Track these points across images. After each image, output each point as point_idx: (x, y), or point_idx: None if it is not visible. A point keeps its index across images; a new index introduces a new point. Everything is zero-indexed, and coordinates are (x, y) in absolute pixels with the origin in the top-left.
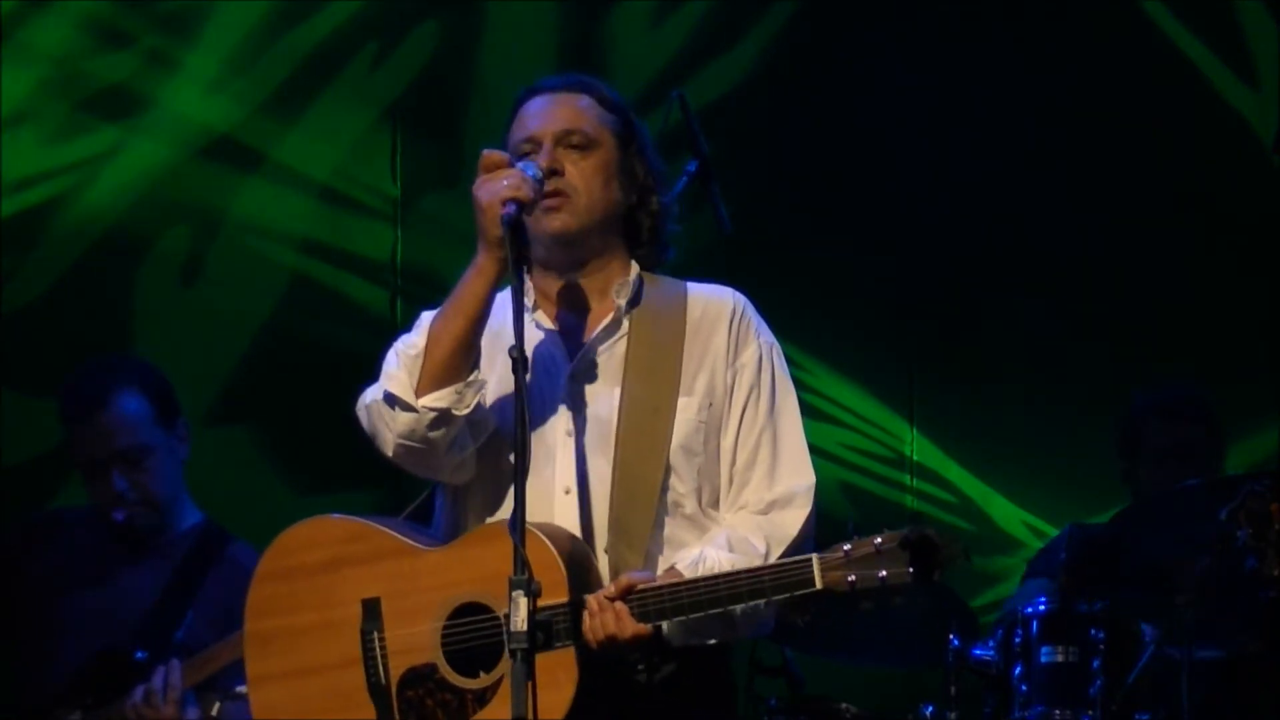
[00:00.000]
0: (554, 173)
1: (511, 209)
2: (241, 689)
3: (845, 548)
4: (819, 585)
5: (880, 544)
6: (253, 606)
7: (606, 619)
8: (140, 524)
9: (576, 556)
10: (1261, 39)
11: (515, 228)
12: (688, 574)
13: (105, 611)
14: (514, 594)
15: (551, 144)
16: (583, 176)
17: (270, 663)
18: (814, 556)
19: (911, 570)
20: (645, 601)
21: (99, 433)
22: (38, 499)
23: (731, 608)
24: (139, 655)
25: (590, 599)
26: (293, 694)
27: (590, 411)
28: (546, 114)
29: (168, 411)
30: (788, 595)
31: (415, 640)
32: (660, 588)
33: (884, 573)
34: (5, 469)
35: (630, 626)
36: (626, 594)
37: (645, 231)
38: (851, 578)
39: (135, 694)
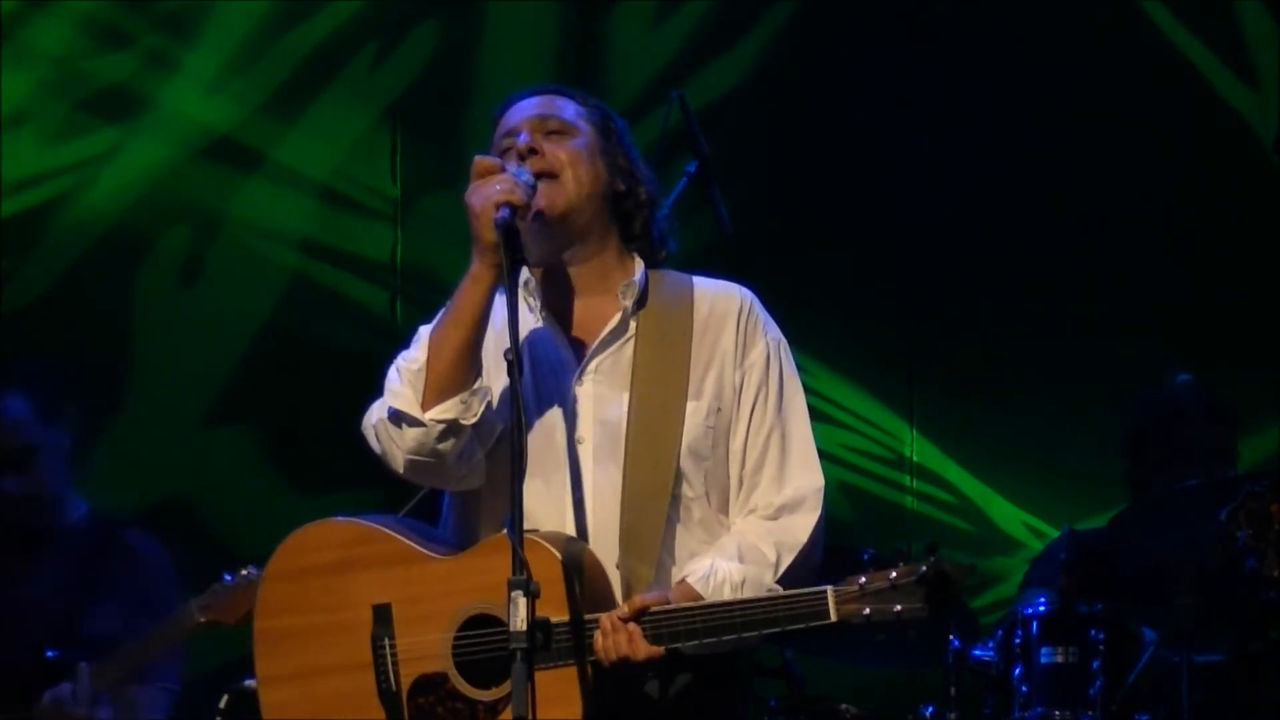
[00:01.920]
0: (533, 152)
1: (505, 213)
2: (250, 682)
3: (861, 580)
4: (834, 618)
5: (896, 579)
6: (263, 605)
7: (619, 640)
8: (34, 522)
9: (589, 571)
10: (1261, 39)
11: (509, 232)
12: (699, 588)
13: (5, 610)
14: (513, 594)
15: (530, 131)
16: (566, 154)
17: (280, 662)
18: (829, 589)
19: (927, 606)
20: (659, 624)
21: None
22: None
23: (745, 634)
24: (49, 654)
25: (604, 619)
26: (302, 694)
27: (599, 416)
28: (524, 110)
29: (51, 407)
30: (802, 626)
31: (426, 648)
32: (674, 612)
33: (899, 607)
34: None
35: (643, 649)
36: (640, 615)
37: (638, 224)
38: (866, 611)
39: (44, 699)
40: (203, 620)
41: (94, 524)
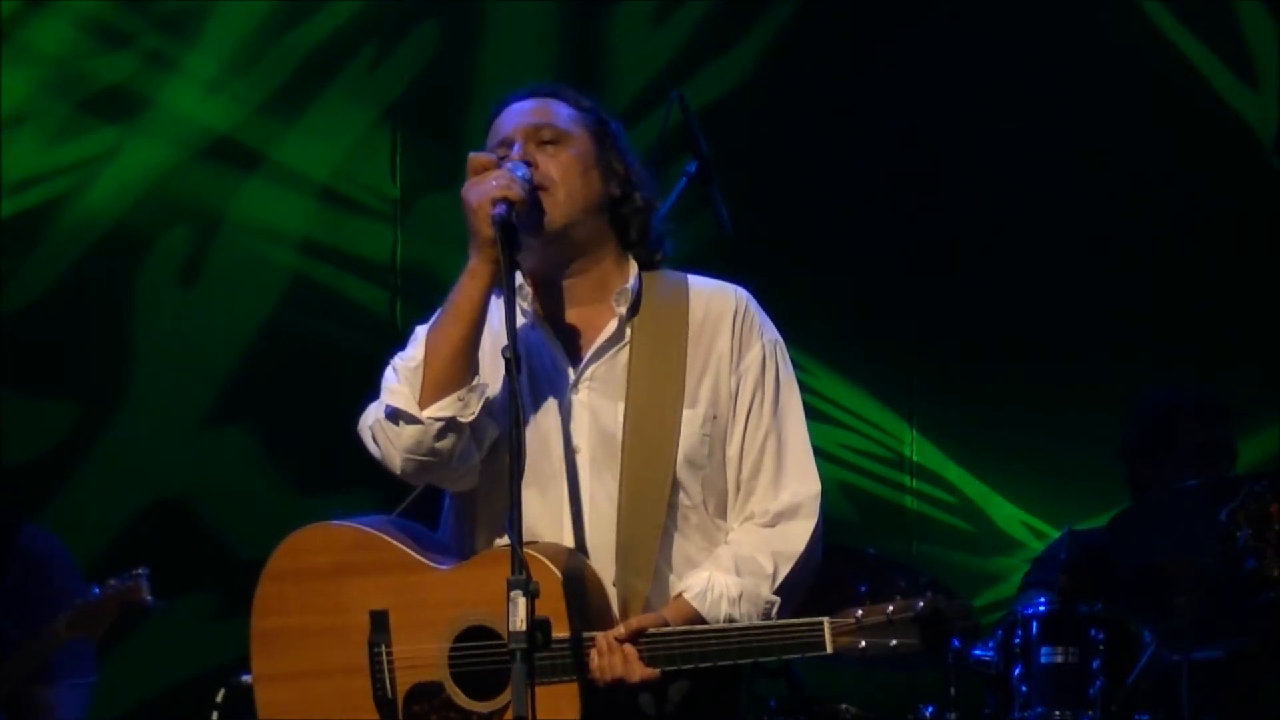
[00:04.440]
0: (527, 165)
1: (502, 209)
2: (247, 678)
3: (857, 614)
4: (829, 649)
5: (892, 613)
6: (260, 604)
7: (615, 661)
8: None
9: (588, 586)
10: (1261, 40)
11: (506, 228)
12: (696, 604)
13: None
14: (512, 593)
15: (523, 141)
16: (559, 168)
17: (276, 661)
18: (826, 621)
19: (921, 642)
20: (655, 646)
21: None
22: (38, 499)
23: (740, 661)
24: None
25: (600, 639)
26: (297, 695)
27: (595, 425)
28: (517, 116)
29: None
30: (798, 656)
31: (422, 657)
32: (671, 635)
33: (894, 642)
34: (5, 469)
35: (639, 670)
36: (636, 637)
37: (634, 230)
38: (862, 644)
39: None
40: (68, 635)
41: None
